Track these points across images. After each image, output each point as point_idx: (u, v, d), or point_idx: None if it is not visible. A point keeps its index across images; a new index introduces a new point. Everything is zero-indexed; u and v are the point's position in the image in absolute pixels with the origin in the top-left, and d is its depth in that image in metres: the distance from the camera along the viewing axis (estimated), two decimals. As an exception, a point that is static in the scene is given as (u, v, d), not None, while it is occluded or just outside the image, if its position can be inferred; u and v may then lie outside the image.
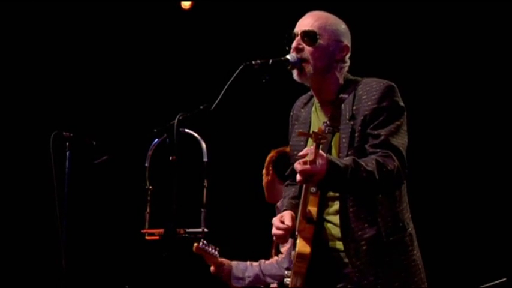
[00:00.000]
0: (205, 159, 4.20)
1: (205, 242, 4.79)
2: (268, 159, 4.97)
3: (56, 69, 7.23)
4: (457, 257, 6.28)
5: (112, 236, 7.10)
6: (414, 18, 6.58)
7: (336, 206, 3.45)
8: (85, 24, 7.24)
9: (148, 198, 4.24)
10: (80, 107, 7.16)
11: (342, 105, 3.47)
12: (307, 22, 3.53)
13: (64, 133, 4.77)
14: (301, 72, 3.49)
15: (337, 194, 3.44)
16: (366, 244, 3.38)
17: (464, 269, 6.16)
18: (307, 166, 3.17)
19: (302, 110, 3.66)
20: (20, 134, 7.11)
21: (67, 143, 4.76)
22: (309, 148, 3.22)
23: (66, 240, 4.61)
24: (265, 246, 4.99)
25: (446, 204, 6.42)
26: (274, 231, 3.48)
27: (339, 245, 3.43)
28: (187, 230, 4.19)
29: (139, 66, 7.30)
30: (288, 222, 3.46)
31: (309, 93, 3.66)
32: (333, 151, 3.43)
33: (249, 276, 4.88)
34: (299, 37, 3.50)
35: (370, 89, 3.45)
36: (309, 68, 3.48)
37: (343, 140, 3.42)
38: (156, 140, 4.11)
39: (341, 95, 3.50)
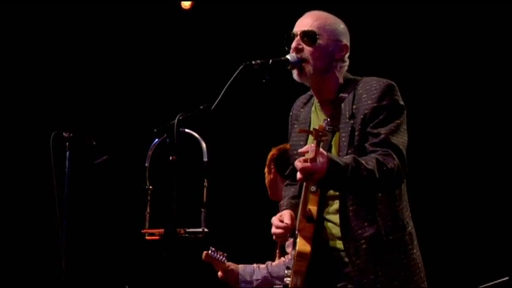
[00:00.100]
0: (205, 159, 4.20)
1: (213, 249, 4.79)
2: (269, 157, 4.97)
3: (56, 69, 7.23)
4: (458, 255, 6.28)
5: (112, 236, 7.10)
6: (414, 17, 6.58)
7: (336, 205, 3.46)
8: (85, 24, 7.24)
9: (148, 198, 4.24)
10: (80, 107, 7.16)
11: (342, 105, 3.48)
12: (306, 22, 3.53)
13: (64, 133, 4.76)
14: (301, 72, 3.49)
15: (337, 193, 3.44)
16: (365, 243, 3.38)
17: (465, 268, 6.15)
18: (308, 164, 3.18)
19: (302, 110, 3.66)
20: (20, 134, 7.11)
21: (67, 143, 4.76)
22: (310, 146, 3.23)
23: (66, 240, 4.61)
24: (267, 246, 4.99)
25: (447, 203, 6.42)
26: (273, 230, 3.49)
27: (339, 244, 3.44)
28: (188, 230, 4.18)
29: (139, 66, 7.30)
30: (287, 220, 3.46)
31: (309, 93, 3.66)
32: (333, 150, 3.44)
33: (257, 279, 4.87)
34: (298, 37, 3.51)
35: (370, 87, 3.45)
36: (309, 68, 3.48)
37: (343, 139, 3.43)
38: (156, 140, 4.11)
39: (341, 94, 3.51)
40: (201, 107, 3.46)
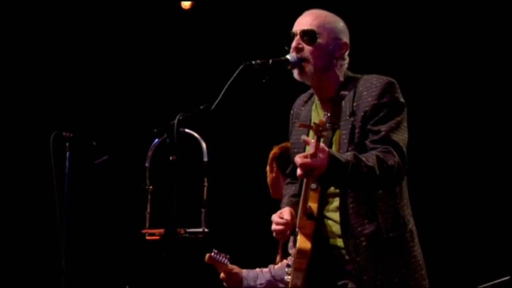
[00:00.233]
0: (205, 159, 4.20)
1: (216, 251, 4.79)
2: (271, 155, 4.96)
3: (56, 69, 7.23)
4: (460, 254, 6.28)
5: (112, 236, 7.10)
6: (414, 14, 6.57)
7: (336, 202, 3.46)
8: (85, 24, 7.24)
9: (149, 198, 4.24)
10: (80, 107, 7.16)
11: (343, 102, 3.48)
12: (305, 21, 3.53)
13: (64, 133, 4.77)
14: (301, 71, 3.50)
15: (338, 191, 3.44)
16: (365, 240, 3.38)
17: (467, 267, 6.15)
18: (308, 160, 3.18)
19: (302, 108, 3.66)
20: (20, 134, 7.10)
21: (67, 143, 4.77)
22: (311, 139, 3.22)
23: (66, 240, 4.61)
24: (268, 246, 4.98)
25: (448, 201, 6.42)
26: (273, 226, 3.49)
27: (340, 242, 3.44)
28: (188, 230, 4.19)
29: (139, 66, 7.30)
30: (287, 217, 3.46)
31: (309, 91, 3.66)
32: (334, 147, 3.44)
33: (261, 284, 4.86)
34: (298, 36, 3.51)
35: (370, 85, 3.46)
36: (309, 67, 3.49)
37: (344, 136, 3.43)
38: (156, 140, 4.11)
39: (341, 92, 3.51)
40: (201, 107, 3.46)
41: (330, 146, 3.41)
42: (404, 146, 3.41)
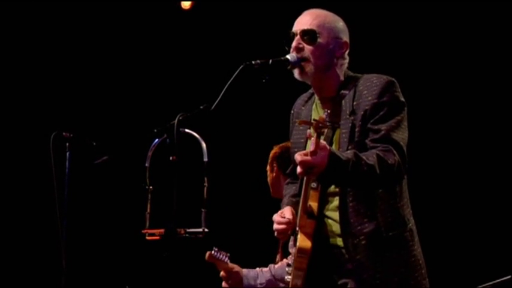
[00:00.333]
0: (205, 159, 4.20)
1: (216, 249, 4.79)
2: (271, 155, 4.96)
3: (56, 69, 7.23)
4: (461, 254, 6.28)
5: (112, 236, 7.10)
6: (414, 13, 6.58)
7: (336, 201, 3.46)
8: (85, 24, 7.24)
9: (149, 198, 4.23)
10: (80, 107, 7.16)
11: (343, 101, 3.49)
12: (305, 21, 3.54)
13: (64, 133, 4.77)
14: (302, 71, 3.50)
15: (338, 190, 3.44)
16: (365, 239, 3.39)
17: (468, 266, 6.15)
18: (308, 157, 3.18)
19: (303, 108, 3.67)
20: (20, 134, 7.10)
21: (67, 144, 4.76)
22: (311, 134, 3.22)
23: (66, 240, 4.61)
24: (268, 246, 4.98)
25: (448, 201, 6.42)
26: (275, 226, 3.49)
27: (339, 241, 3.44)
28: (188, 230, 4.18)
29: (139, 67, 7.30)
30: (288, 216, 3.47)
31: (310, 91, 3.67)
32: (334, 146, 3.43)
33: (261, 283, 4.86)
34: (298, 36, 3.51)
35: (370, 84, 3.46)
36: (310, 67, 3.49)
37: (344, 135, 3.43)
38: (156, 140, 4.11)
39: (342, 92, 3.52)
40: (201, 107, 3.47)
41: (330, 145, 3.41)
42: (405, 145, 3.41)
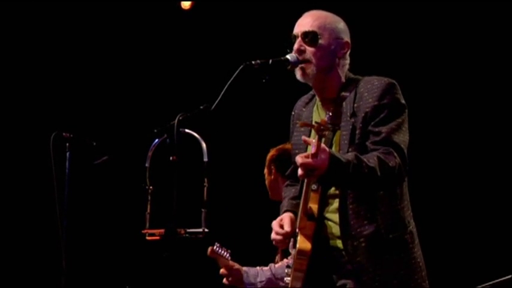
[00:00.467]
0: (205, 159, 4.20)
1: (218, 244, 4.79)
2: (268, 158, 4.96)
3: (56, 69, 7.23)
4: (461, 254, 6.28)
5: (112, 236, 7.10)
6: (415, 15, 6.58)
7: (336, 203, 3.45)
8: (85, 24, 7.24)
9: (149, 198, 4.23)
10: (80, 108, 7.16)
11: (344, 103, 3.48)
12: (306, 22, 3.53)
13: (64, 134, 4.77)
14: (303, 72, 3.49)
15: (338, 192, 3.44)
16: (365, 241, 3.38)
17: (468, 266, 6.15)
18: (309, 160, 3.18)
19: (304, 109, 3.66)
20: (20, 134, 7.11)
21: (67, 144, 4.77)
22: (312, 139, 3.22)
23: (66, 240, 4.61)
24: (268, 246, 4.98)
25: (449, 202, 6.42)
26: (273, 235, 3.49)
27: (339, 243, 3.43)
28: (188, 230, 4.18)
29: (139, 67, 7.30)
30: (287, 227, 3.46)
31: (311, 92, 3.66)
32: (334, 148, 3.43)
33: (261, 281, 4.86)
34: (300, 38, 3.51)
35: (371, 86, 3.46)
36: (312, 69, 3.49)
37: (344, 137, 3.43)
38: (156, 140, 4.11)
39: (342, 93, 3.51)
40: (201, 107, 3.47)
41: (330, 146, 3.41)
42: (405, 147, 3.41)
